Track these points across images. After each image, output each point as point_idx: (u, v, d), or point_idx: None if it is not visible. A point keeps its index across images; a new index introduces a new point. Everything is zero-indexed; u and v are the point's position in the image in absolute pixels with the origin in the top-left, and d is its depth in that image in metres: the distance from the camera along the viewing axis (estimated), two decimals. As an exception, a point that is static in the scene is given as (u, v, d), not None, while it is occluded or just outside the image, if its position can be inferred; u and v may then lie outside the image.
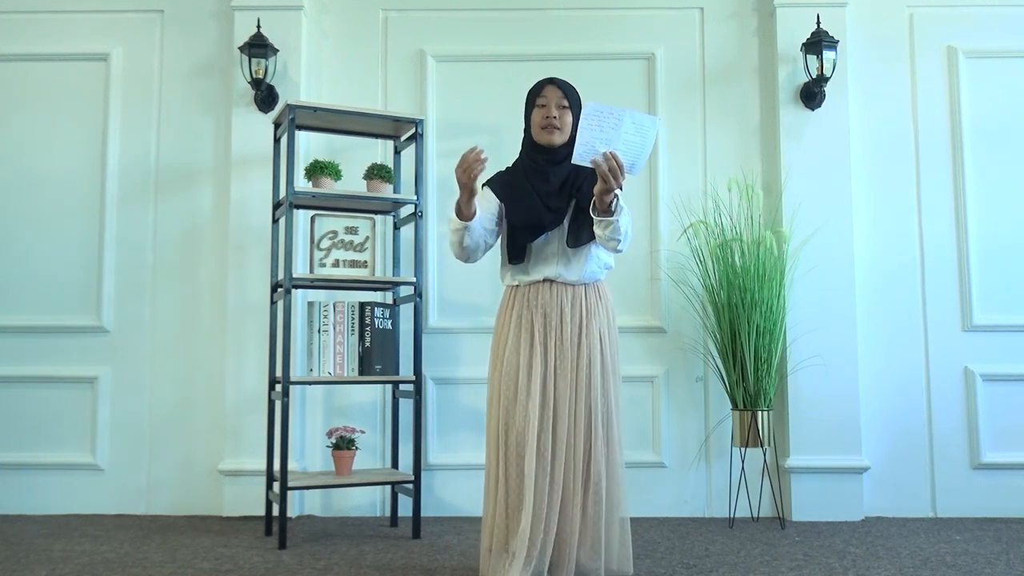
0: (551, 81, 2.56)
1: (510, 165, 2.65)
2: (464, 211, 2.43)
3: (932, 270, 3.84)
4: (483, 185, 2.62)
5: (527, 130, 2.59)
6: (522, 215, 2.50)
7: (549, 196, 2.50)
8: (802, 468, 3.64)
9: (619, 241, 2.41)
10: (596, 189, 2.33)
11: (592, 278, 2.55)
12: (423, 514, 3.43)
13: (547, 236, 2.52)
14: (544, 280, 2.52)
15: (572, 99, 2.55)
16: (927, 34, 3.93)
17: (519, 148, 2.65)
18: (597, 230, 2.40)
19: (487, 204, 2.56)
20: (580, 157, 2.31)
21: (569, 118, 2.52)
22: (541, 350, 2.46)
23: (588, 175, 2.44)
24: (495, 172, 2.66)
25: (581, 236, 2.48)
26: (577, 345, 2.47)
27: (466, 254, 2.54)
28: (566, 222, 2.51)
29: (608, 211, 2.35)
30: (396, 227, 3.68)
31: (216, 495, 3.74)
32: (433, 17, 4.00)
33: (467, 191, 2.39)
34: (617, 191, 2.34)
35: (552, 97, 2.52)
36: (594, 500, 2.43)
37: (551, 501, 2.39)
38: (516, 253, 2.54)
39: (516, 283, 2.56)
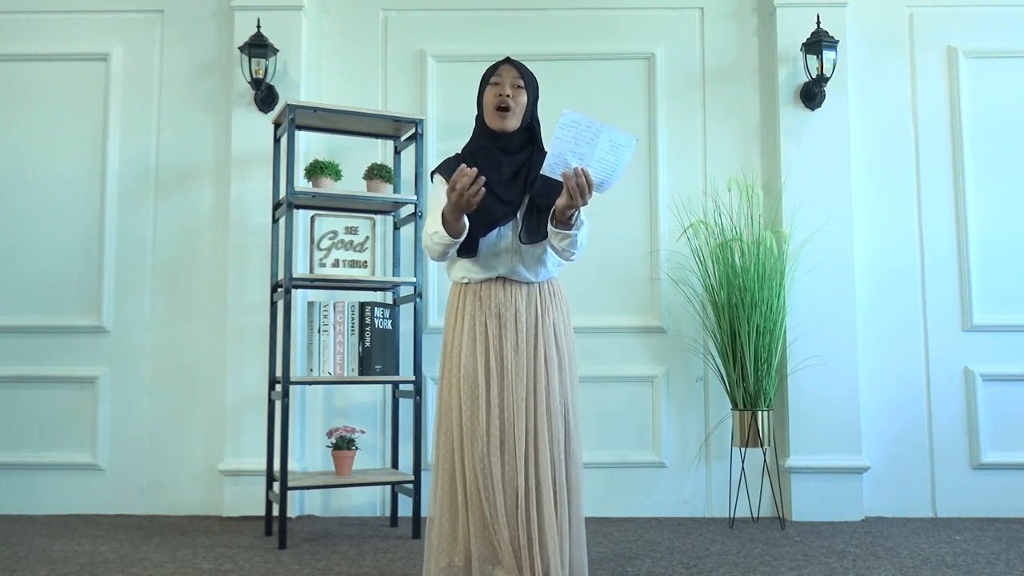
0: (507, 60, 2.43)
1: (459, 152, 2.49)
2: (454, 227, 2.29)
3: (932, 270, 3.84)
4: (432, 173, 2.49)
5: (479, 115, 2.45)
6: (473, 208, 2.30)
7: (502, 187, 2.35)
8: (802, 468, 3.64)
9: (573, 252, 2.33)
10: (559, 203, 2.22)
11: (547, 276, 2.43)
12: (423, 514, 3.43)
13: (499, 231, 2.36)
14: (497, 278, 2.39)
15: (528, 80, 2.41)
16: (927, 34, 3.93)
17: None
18: (553, 240, 2.31)
19: (443, 196, 2.33)
20: (550, 169, 2.18)
21: (524, 99, 2.39)
22: (497, 355, 2.34)
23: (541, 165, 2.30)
24: (444, 158, 2.54)
25: (535, 232, 2.34)
26: (533, 345, 2.35)
27: (444, 259, 2.43)
28: (519, 215, 2.37)
29: (568, 224, 2.26)
30: (396, 227, 3.68)
31: (216, 495, 3.74)
32: (433, 17, 4.00)
33: (461, 212, 2.26)
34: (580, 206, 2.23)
35: (507, 76, 2.39)
36: (559, 505, 2.31)
37: (515, 509, 2.28)
38: (467, 247, 2.35)
39: (466, 280, 2.41)
